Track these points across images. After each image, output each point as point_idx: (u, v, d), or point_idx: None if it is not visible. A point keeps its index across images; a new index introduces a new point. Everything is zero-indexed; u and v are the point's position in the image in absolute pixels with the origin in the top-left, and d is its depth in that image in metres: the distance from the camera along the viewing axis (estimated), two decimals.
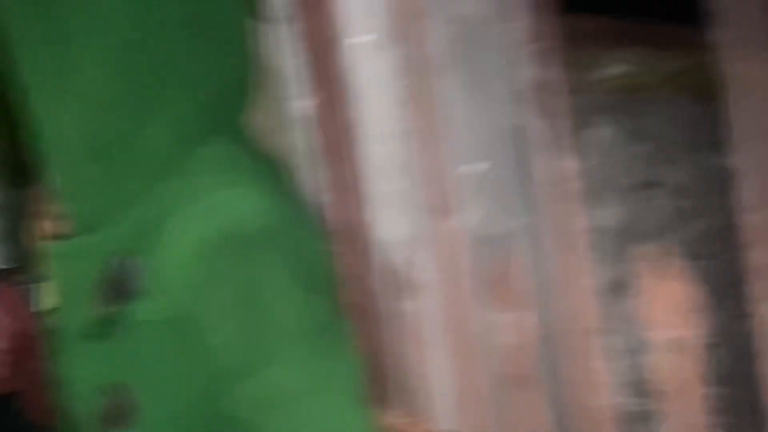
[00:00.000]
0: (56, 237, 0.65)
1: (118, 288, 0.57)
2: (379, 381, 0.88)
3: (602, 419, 0.94)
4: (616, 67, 0.95)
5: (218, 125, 0.60)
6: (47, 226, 0.67)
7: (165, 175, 0.58)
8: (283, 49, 0.99)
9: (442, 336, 0.94)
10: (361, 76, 0.94)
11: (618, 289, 0.96)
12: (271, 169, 0.64)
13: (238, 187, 0.57)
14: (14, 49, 0.59)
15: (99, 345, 0.59)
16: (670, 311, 0.97)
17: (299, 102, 1.00)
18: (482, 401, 0.93)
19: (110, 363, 0.58)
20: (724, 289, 0.95)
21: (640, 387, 0.97)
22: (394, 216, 0.95)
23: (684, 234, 0.97)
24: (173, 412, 0.57)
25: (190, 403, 0.57)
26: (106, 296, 0.58)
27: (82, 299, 0.60)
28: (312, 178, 1.00)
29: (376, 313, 0.96)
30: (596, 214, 0.94)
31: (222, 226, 0.55)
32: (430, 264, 0.93)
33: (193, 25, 0.58)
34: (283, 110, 1.02)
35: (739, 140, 0.76)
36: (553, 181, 0.92)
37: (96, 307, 0.58)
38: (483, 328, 0.92)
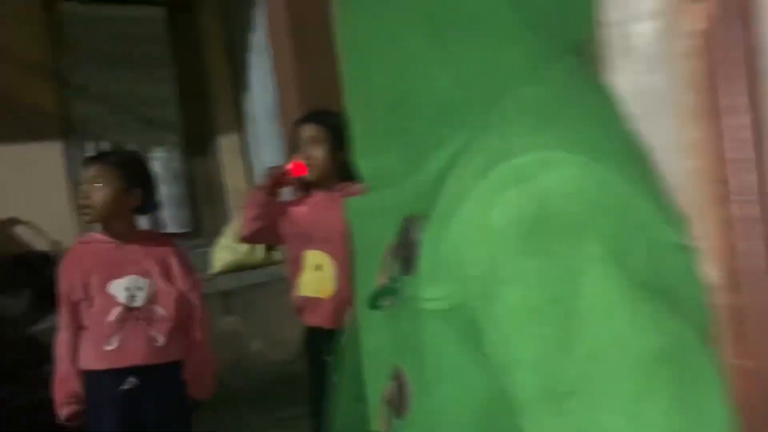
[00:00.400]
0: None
1: (404, 255, 0.48)
2: None
3: None
4: None
5: (538, 64, 0.48)
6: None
7: (467, 127, 0.48)
8: None
9: None
10: None
11: None
12: (610, 126, 0.47)
13: (564, 147, 0.42)
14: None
15: (385, 319, 0.50)
16: None
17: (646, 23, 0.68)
18: None
19: (394, 341, 0.50)
20: None
21: None
22: None
23: None
24: (445, 419, 0.46)
25: (464, 413, 0.45)
26: (393, 261, 0.50)
27: (374, 263, 0.52)
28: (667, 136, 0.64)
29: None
30: None
31: (537, 200, 0.41)
32: None
33: None
34: (618, 36, 0.70)
35: None
36: None
37: (383, 272, 0.51)
38: None
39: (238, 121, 5.62)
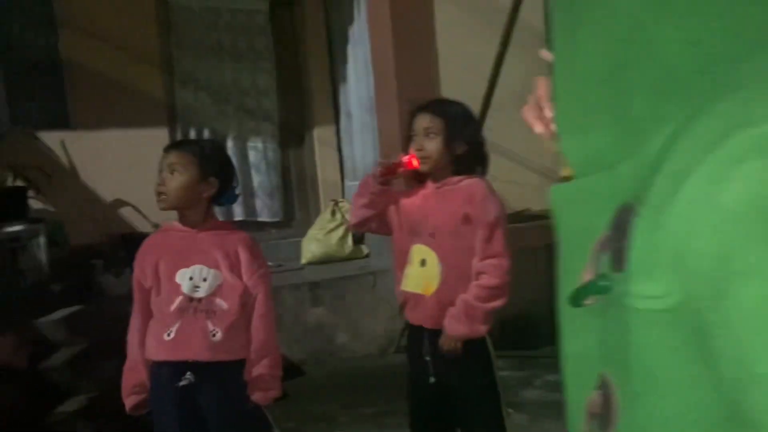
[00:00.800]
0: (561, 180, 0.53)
1: (616, 248, 0.42)
2: None
3: None
4: None
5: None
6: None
7: (693, 101, 0.41)
8: None
9: None
10: None
11: None
12: None
13: None
14: None
15: (593, 319, 0.44)
16: None
17: None
18: None
19: (600, 346, 0.44)
20: None
21: None
22: None
23: None
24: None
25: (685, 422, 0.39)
26: (602, 255, 0.44)
27: (581, 257, 0.47)
28: None
29: None
30: None
31: None
32: None
33: None
34: None
35: None
36: None
37: (590, 267, 0.45)
38: None
39: (333, 114, 5.65)
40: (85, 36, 4.76)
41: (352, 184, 5.53)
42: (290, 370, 3.98)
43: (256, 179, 5.48)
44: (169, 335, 1.83)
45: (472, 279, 1.84)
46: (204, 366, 1.83)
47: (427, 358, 1.91)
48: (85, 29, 4.76)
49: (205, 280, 1.87)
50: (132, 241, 4.80)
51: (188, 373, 1.83)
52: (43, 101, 4.82)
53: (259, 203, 5.49)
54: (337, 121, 5.65)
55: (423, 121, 1.92)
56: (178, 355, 1.83)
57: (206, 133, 5.28)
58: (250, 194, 5.47)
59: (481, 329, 1.84)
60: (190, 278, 1.87)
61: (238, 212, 5.40)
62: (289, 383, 3.84)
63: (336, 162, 5.66)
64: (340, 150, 5.66)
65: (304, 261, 4.90)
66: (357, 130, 5.29)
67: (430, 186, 1.94)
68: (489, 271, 1.82)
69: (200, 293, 1.85)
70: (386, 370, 3.73)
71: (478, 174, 1.94)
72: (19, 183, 4.35)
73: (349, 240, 5.02)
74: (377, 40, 4.64)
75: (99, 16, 4.78)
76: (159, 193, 1.92)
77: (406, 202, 1.98)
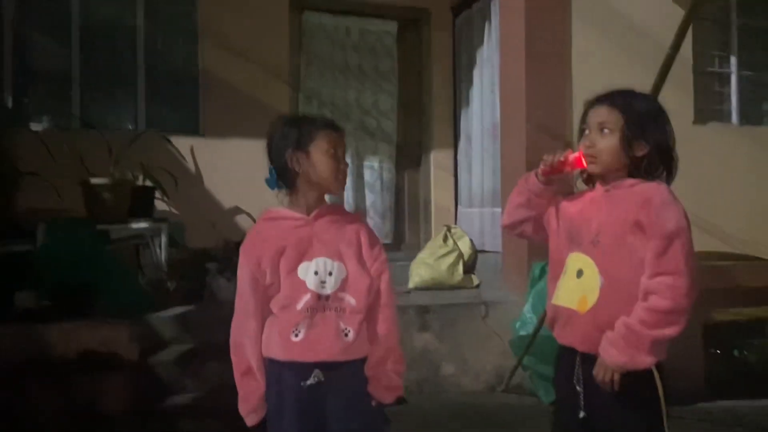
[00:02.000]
0: None
1: None
2: None
3: None
4: None
5: None
6: None
7: None
8: None
9: None
10: None
11: None
12: None
13: None
14: None
15: None
16: None
17: None
18: None
19: None
20: None
21: None
22: None
23: None
24: None
25: None
26: None
27: None
28: None
29: None
30: None
31: None
32: None
33: None
34: None
35: None
36: None
37: None
38: None
39: (452, 139, 5.52)
40: (222, 49, 4.95)
41: (466, 211, 5.33)
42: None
43: (369, 198, 5.42)
44: (297, 335, 1.63)
45: (639, 299, 1.52)
46: (334, 365, 1.65)
47: (579, 388, 1.59)
48: (222, 42, 4.95)
49: (330, 274, 1.68)
50: None
51: (316, 370, 1.64)
52: (178, 108, 5.04)
53: (371, 223, 5.42)
54: (455, 146, 5.51)
55: (598, 114, 1.63)
56: (309, 356, 1.64)
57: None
58: (362, 213, 5.42)
59: (646, 360, 1.51)
60: (315, 273, 1.67)
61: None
62: (390, 410, 3.68)
63: (451, 187, 5.50)
64: (456, 175, 5.50)
65: (411, 285, 4.74)
66: (476, 156, 5.12)
67: (598, 189, 1.65)
68: (661, 291, 1.49)
69: (327, 289, 1.67)
70: (494, 408, 3.45)
71: (661, 180, 1.62)
72: (148, 183, 4.53)
73: (460, 268, 4.80)
74: (508, 63, 4.48)
75: (237, 30, 4.97)
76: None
77: (567, 205, 1.71)
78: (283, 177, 1.77)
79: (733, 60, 5.04)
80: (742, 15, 5.04)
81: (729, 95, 5.04)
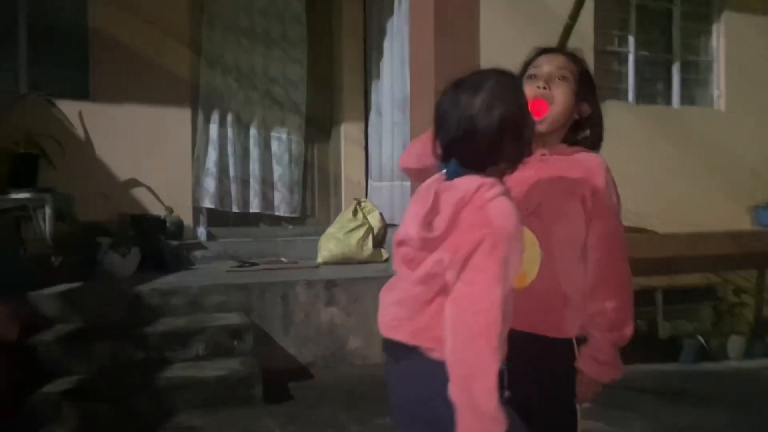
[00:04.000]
0: None
1: None
2: None
3: None
4: None
5: None
6: None
7: None
8: None
9: None
10: None
11: None
12: None
13: None
14: None
15: None
16: None
17: None
18: None
19: None
20: None
21: None
22: None
23: None
24: None
25: None
26: None
27: None
28: None
29: None
30: None
31: None
32: None
33: None
34: None
35: None
36: None
37: None
38: None
39: (363, 111, 5.42)
40: (113, 5, 4.58)
41: (376, 185, 5.27)
42: (297, 370, 3.72)
43: (277, 171, 5.25)
44: None
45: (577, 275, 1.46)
46: None
47: (503, 367, 1.43)
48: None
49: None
50: (142, 222, 4.60)
51: None
52: (64, 69, 4.63)
53: (278, 196, 5.26)
54: (366, 119, 5.42)
55: (555, 60, 1.48)
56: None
57: (229, 118, 5.06)
58: (269, 186, 5.23)
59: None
60: None
61: (254, 204, 5.16)
62: (295, 384, 3.59)
63: (361, 161, 5.42)
64: (366, 149, 5.42)
65: (320, 260, 4.64)
66: (386, 129, 5.05)
67: (535, 153, 1.42)
68: (617, 296, 1.46)
69: None
70: None
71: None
72: (32, 150, 4.15)
73: (370, 242, 4.76)
74: (417, 34, 4.42)
75: None
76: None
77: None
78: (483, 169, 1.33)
79: (631, 40, 5.23)
80: None
81: (627, 74, 5.24)
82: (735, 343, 4.90)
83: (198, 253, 4.69)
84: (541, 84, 1.49)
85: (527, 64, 1.55)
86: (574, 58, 1.53)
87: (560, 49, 1.58)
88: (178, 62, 4.78)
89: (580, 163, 1.48)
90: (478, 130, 1.24)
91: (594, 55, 4.92)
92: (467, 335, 1.20)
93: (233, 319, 3.55)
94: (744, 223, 5.37)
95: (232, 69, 5.07)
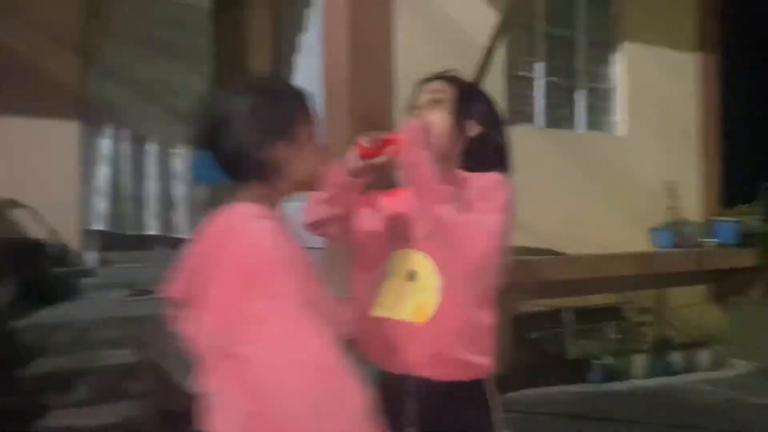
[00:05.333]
0: None
1: None
2: None
3: None
4: None
5: None
6: None
7: None
8: None
9: None
10: None
11: None
12: None
13: None
14: None
15: None
16: None
17: None
18: None
19: None
20: None
21: None
22: None
23: None
24: None
25: None
26: None
27: None
28: None
29: None
30: None
31: None
32: None
33: None
34: None
35: None
36: None
37: None
38: None
39: None
40: None
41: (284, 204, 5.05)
42: None
43: (179, 190, 4.89)
44: None
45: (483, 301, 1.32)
46: None
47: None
48: None
49: None
50: (18, 248, 4.11)
51: None
52: None
53: (179, 218, 4.89)
54: None
55: (430, 88, 1.45)
56: None
57: (124, 133, 4.67)
58: (169, 207, 4.86)
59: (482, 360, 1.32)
60: None
61: (151, 225, 4.78)
62: None
63: None
64: None
65: None
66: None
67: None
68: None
69: None
70: None
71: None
72: None
73: None
74: (331, 54, 4.27)
75: None
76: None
77: (386, 199, 1.48)
78: (250, 169, 1.18)
79: (540, 66, 5.35)
80: (547, 23, 5.36)
81: (535, 100, 5.34)
82: (638, 362, 5.05)
83: (86, 281, 4.25)
84: (417, 113, 1.46)
85: (411, 99, 1.53)
86: (453, 79, 1.49)
87: (438, 74, 1.53)
88: (66, 70, 4.34)
89: (473, 182, 1.39)
90: None
91: (506, 79, 4.97)
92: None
93: (126, 356, 3.19)
94: (643, 245, 5.59)
95: (128, 80, 4.68)
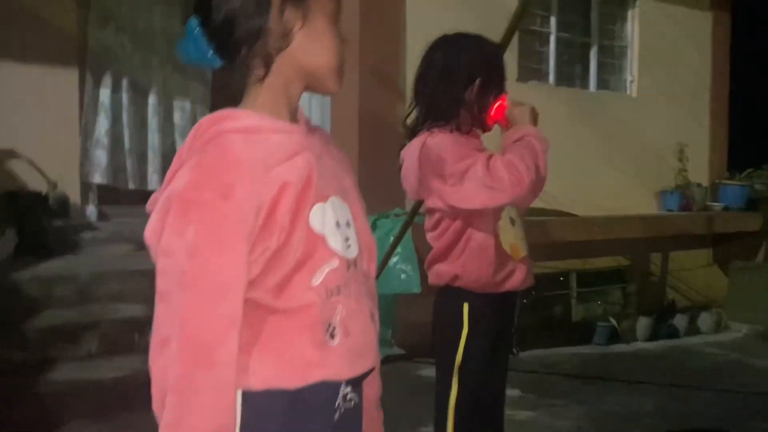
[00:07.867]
0: None
1: None
2: None
3: None
4: None
5: None
6: None
7: None
8: None
9: None
10: None
11: None
12: None
13: None
14: None
15: None
16: None
17: None
18: None
19: None
20: None
21: None
22: None
23: None
24: None
25: None
26: None
27: None
28: None
29: None
30: None
31: None
32: None
33: None
34: None
35: None
36: None
37: None
38: None
39: None
40: None
41: None
42: None
43: (180, 144, 4.75)
44: (334, 335, 0.90)
45: None
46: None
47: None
48: None
49: (348, 225, 0.96)
50: (18, 199, 3.98)
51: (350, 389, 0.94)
52: None
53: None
54: None
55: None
56: (357, 367, 0.95)
57: (125, 83, 4.50)
58: (170, 161, 4.72)
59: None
60: (336, 223, 0.93)
61: (153, 180, 4.65)
62: None
63: None
64: None
65: None
66: (303, 100, 4.71)
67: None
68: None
69: (353, 251, 0.95)
70: None
71: None
72: None
73: None
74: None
75: None
76: None
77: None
78: (243, 40, 0.91)
79: (553, 21, 5.20)
80: None
81: (548, 56, 5.21)
82: (642, 325, 5.05)
83: (87, 235, 4.14)
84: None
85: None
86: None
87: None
88: (61, 15, 4.15)
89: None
90: None
91: (518, 34, 4.82)
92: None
93: (133, 310, 3.12)
94: (651, 207, 5.54)
95: (126, 26, 4.49)
